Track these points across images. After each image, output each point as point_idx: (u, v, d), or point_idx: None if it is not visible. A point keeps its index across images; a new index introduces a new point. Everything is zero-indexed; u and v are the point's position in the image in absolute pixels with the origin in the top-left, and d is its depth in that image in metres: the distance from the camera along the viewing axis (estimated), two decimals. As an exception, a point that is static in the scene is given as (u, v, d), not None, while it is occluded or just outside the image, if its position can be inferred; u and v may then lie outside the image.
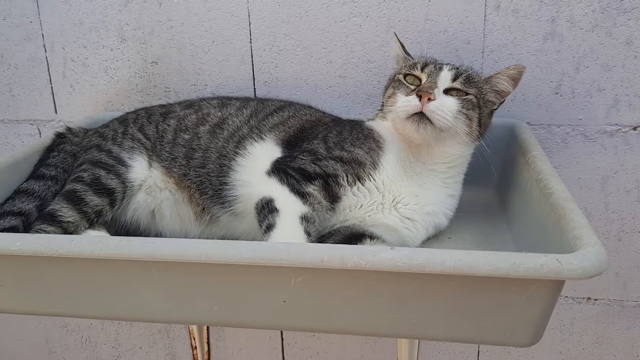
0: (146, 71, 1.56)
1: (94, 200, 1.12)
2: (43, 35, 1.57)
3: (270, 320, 0.89)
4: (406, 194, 1.10)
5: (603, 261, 0.74)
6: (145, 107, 1.38)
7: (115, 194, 1.15)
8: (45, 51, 1.58)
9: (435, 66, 1.13)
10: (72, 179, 1.17)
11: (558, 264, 0.74)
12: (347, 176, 1.08)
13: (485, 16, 1.38)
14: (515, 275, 0.75)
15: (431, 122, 1.05)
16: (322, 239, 1.09)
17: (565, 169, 1.46)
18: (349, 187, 1.08)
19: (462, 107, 1.08)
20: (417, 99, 1.05)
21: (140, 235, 1.21)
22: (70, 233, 1.09)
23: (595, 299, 1.58)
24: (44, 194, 1.17)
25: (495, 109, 1.17)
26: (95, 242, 0.85)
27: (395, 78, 1.16)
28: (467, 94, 1.10)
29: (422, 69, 1.12)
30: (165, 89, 1.56)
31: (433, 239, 1.18)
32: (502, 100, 1.16)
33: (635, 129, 1.41)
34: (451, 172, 1.15)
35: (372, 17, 1.42)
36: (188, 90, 1.55)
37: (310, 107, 1.31)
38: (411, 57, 1.23)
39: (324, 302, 0.86)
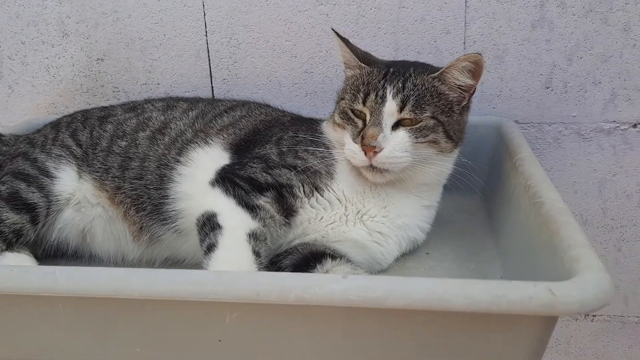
0: (92, 69, 1.40)
1: (10, 217, 0.97)
2: (-24, 31, 1.41)
3: (204, 362, 0.74)
4: (372, 206, 0.95)
5: (607, 291, 0.60)
6: (85, 109, 1.22)
7: (37, 210, 0.99)
8: (-20, 49, 1.42)
9: (377, 96, 0.92)
10: (-12, 194, 1.01)
11: (551, 295, 0.59)
12: (303, 186, 0.93)
13: (466, 2, 1.23)
14: (497, 311, 0.59)
15: (387, 170, 0.91)
16: (277, 258, 0.94)
17: (559, 172, 1.31)
18: (306, 199, 0.93)
19: (418, 138, 0.91)
20: (362, 153, 0.90)
21: (69, 257, 1.05)
22: (-16, 256, 0.94)
23: (594, 315, 1.43)
24: None
25: (467, 104, 0.99)
26: (-19, 273, 0.69)
27: (342, 107, 0.97)
28: (420, 120, 0.91)
29: (364, 102, 0.93)
30: (114, 89, 1.40)
31: (409, 255, 1.03)
32: (470, 93, 0.97)
33: (635, 126, 1.26)
34: (425, 187, 0.99)
35: (340, 5, 1.27)
36: (139, 90, 1.40)
37: (267, 106, 1.16)
38: (364, 63, 0.99)
39: (266, 340, 0.71)
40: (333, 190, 0.94)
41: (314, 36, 1.30)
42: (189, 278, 0.65)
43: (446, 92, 0.94)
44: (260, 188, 0.92)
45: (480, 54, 0.91)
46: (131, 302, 0.68)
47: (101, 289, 0.65)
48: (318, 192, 0.94)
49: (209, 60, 1.35)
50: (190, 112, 1.10)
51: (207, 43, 1.34)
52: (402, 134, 0.90)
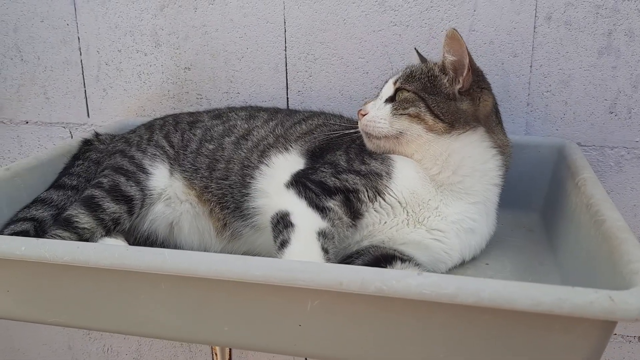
0: (179, 77, 1.52)
1: (111, 207, 1.08)
2: (79, 38, 1.56)
3: (283, 345, 0.82)
4: (427, 207, 1.02)
5: (664, 301, 0.64)
6: (174, 114, 1.34)
7: (134, 202, 1.10)
8: (81, 54, 1.57)
9: (387, 82, 1.10)
10: (92, 185, 1.13)
11: (611, 302, 0.64)
12: (367, 191, 1.01)
13: (535, 28, 1.29)
14: (559, 313, 0.65)
15: (370, 134, 1.04)
16: (349, 259, 1.01)
17: (619, 195, 1.34)
18: (370, 204, 1.01)
19: (397, 108, 1.03)
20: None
21: (158, 247, 1.16)
22: (86, 240, 1.06)
23: (648, 339, 1.45)
24: (62, 203, 1.15)
25: (463, 89, 1.02)
26: (101, 250, 0.80)
27: None
28: (402, 93, 1.04)
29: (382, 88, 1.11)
30: (197, 96, 1.53)
31: (470, 265, 1.09)
32: (463, 76, 1.02)
33: (699, 154, 1.28)
34: (457, 177, 1.03)
35: (412, 27, 1.35)
36: (220, 97, 1.51)
37: (341, 116, 1.25)
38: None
39: (343, 328, 0.78)
40: (394, 193, 1.01)
41: (385, 55, 1.39)
42: (281, 265, 0.74)
43: (437, 73, 1.04)
44: (330, 192, 1.00)
45: (453, 29, 1.00)
46: (225, 284, 0.77)
47: (204, 270, 0.75)
48: (380, 196, 1.01)
49: (286, 73, 1.45)
50: (270, 122, 1.20)
51: (285, 57, 1.44)
52: (387, 105, 1.05)
